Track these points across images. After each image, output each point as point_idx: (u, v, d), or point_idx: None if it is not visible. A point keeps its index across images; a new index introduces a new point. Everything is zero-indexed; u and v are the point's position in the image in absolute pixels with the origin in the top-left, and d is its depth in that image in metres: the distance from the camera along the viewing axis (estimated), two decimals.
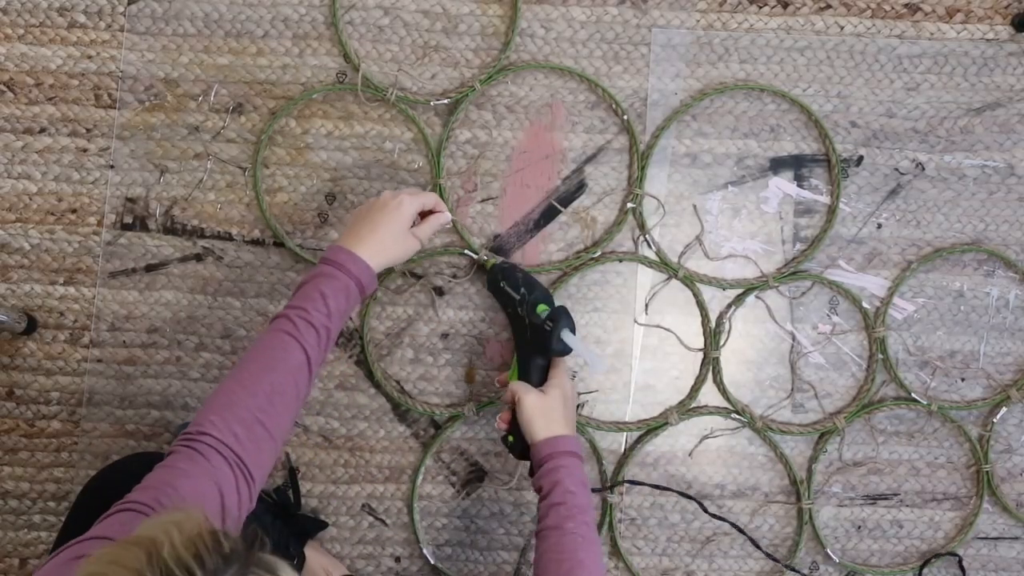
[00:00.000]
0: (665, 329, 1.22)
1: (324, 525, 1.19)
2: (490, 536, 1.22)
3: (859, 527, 1.23)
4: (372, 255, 1.00)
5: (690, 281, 1.21)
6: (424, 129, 1.19)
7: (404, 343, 1.21)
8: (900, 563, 1.24)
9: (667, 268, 1.21)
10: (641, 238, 1.21)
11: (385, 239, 1.02)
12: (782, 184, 1.22)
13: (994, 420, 1.22)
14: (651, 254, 1.21)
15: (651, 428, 1.21)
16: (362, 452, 1.21)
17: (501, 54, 1.19)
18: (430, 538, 1.22)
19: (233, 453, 0.83)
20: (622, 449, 1.22)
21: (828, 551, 1.21)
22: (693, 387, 1.22)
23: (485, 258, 1.18)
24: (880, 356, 1.21)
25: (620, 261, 1.21)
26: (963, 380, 1.23)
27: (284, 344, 0.91)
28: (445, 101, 1.19)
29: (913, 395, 1.21)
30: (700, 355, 1.22)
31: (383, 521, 1.22)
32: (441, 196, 1.19)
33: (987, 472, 1.22)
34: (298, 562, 1.12)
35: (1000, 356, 1.23)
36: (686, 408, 1.21)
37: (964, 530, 1.23)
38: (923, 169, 1.22)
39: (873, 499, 1.23)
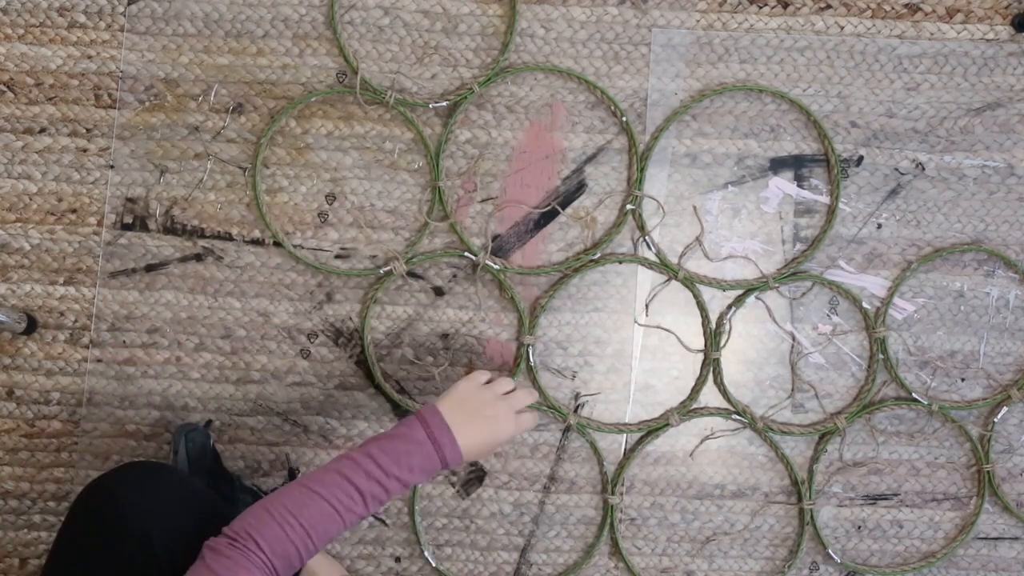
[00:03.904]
0: (665, 330, 1.22)
1: None
2: (490, 536, 1.22)
3: (859, 527, 1.23)
4: (469, 455, 0.94)
5: (690, 282, 1.21)
6: (423, 131, 1.19)
7: (404, 343, 1.21)
8: (900, 563, 1.24)
9: (667, 269, 1.21)
10: (641, 239, 1.21)
11: (489, 450, 0.96)
12: (782, 184, 1.22)
13: (995, 420, 1.22)
14: (651, 255, 1.21)
15: (652, 429, 1.21)
16: None
17: (500, 56, 1.19)
18: (430, 538, 1.22)
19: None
20: (623, 450, 1.22)
21: (829, 551, 1.21)
22: (694, 388, 1.22)
23: (489, 262, 1.18)
24: (880, 356, 1.21)
25: (620, 263, 1.21)
26: (963, 380, 1.23)
27: (352, 500, 0.86)
28: (444, 104, 1.19)
29: (914, 395, 1.21)
30: (700, 356, 1.22)
31: (383, 521, 1.22)
32: (440, 198, 1.19)
33: (988, 472, 1.22)
34: None
35: (1000, 356, 1.23)
36: (687, 409, 1.21)
37: (965, 530, 1.23)
38: (923, 169, 1.22)
39: (873, 499, 1.23)
